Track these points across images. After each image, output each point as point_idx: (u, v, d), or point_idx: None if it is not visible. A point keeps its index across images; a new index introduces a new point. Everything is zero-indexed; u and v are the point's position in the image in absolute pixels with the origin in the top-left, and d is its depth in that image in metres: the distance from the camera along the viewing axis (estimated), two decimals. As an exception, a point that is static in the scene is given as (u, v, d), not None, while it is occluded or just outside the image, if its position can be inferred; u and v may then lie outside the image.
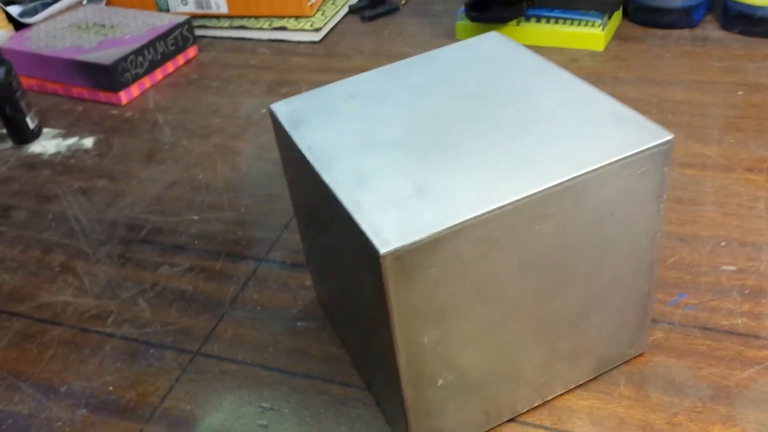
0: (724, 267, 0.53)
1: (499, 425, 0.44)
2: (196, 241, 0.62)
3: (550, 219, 0.36)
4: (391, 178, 0.37)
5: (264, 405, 0.47)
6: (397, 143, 0.39)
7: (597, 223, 0.38)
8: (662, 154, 0.37)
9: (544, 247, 0.37)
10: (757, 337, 0.47)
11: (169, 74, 0.91)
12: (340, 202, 0.36)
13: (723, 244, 0.55)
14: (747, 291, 0.51)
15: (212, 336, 0.52)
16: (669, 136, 0.37)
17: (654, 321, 0.49)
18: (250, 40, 0.98)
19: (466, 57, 0.46)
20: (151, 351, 0.52)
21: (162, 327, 0.54)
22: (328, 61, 0.90)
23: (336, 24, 0.99)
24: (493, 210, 0.34)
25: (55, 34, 0.92)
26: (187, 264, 0.59)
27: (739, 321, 0.49)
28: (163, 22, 0.93)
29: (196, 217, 0.65)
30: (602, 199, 0.37)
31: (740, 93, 0.72)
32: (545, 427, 0.44)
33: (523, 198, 0.35)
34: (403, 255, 0.33)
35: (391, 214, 0.34)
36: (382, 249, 0.32)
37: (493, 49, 0.47)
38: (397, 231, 0.33)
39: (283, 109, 0.44)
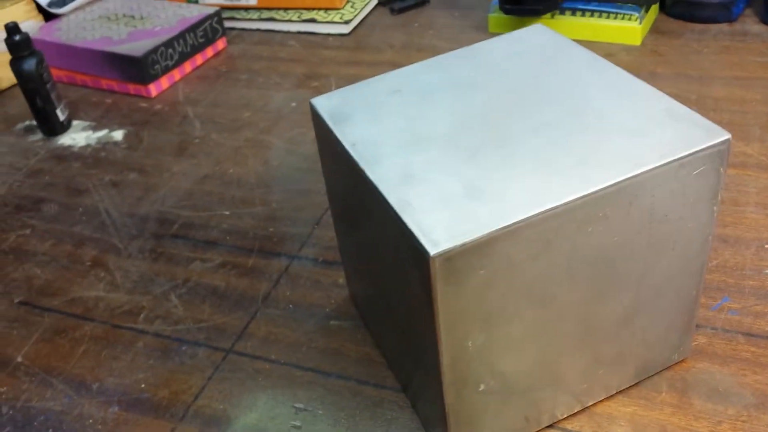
0: (770, 270, 0.51)
1: (539, 431, 0.43)
2: (227, 237, 0.61)
3: (602, 221, 0.35)
4: (439, 176, 0.36)
5: (298, 405, 0.46)
6: (445, 140, 0.38)
7: (650, 225, 0.36)
8: (719, 153, 0.36)
9: (596, 249, 0.36)
10: (805, 344, 0.46)
11: (199, 66, 0.91)
12: (386, 200, 0.35)
13: (767, 246, 0.53)
14: (794, 296, 0.49)
15: (245, 334, 0.52)
16: (726, 136, 0.35)
17: (696, 326, 0.48)
18: (279, 32, 0.97)
19: (513, 50, 0.45)
20: (184, 348, 0.52)
21: (194, 324, 0.53)
22: (358, 54, 0.89)
23: (365, 16, 0.98)
24: (546, 211, 0.33)
25: (84, 26, 0.92)
26: (219, 260, 0.59)
27: (787, 327, 0.47)
28: (192, 13, 0.92)
29: (227, 212, 0.64)
30: (657, 200, 0.35)
31: (783, 90, 0.71)
32: (586, 434, 0.43)
33: (577, 199, 0.33)
34: (452, 257, 0.32)
35: (439, 214, 0.33)
36: (432, 250, 0.32)
37: (540, 42, 0.46)
38: (446, 232, 0.32)
39: (324, 103, 0.43)
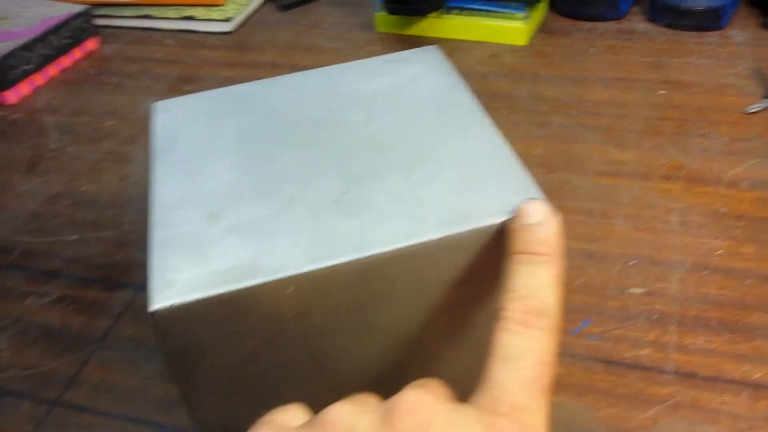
0: (632, 289, 0.49)
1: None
2: (70, 266, 0.56)
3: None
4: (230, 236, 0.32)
5: (125, 462, 0.42)
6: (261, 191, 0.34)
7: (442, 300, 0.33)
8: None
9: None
10: (661, 371, 0.44)
11: (65, 69, 0.84)
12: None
13: (632, 263, 0.51)
14: (654, 317, 0.47)
15: (76, 381, 0.47)
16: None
17: (555, 354, 0.46)
18: (157, 30, 0.91)
19: (376, 78, 0.41)
20: (7, 400, 0.47)
21: (21, 371, 0.48)
22: (239, 55, 0.84)
23: (252, 13, 0.93)
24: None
25: (-62, 26, 0.84)
26: (57, 294, 0.54)
27: (644, 352, 0.45)
28: (59, 11, 0.85)
29: (74, 237, 0.59)
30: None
31: (662, 92, 0.69)
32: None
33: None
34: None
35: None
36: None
37: (414, 71, 0.41)
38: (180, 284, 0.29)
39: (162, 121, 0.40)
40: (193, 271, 0.30)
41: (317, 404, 0.34)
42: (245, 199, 0.33)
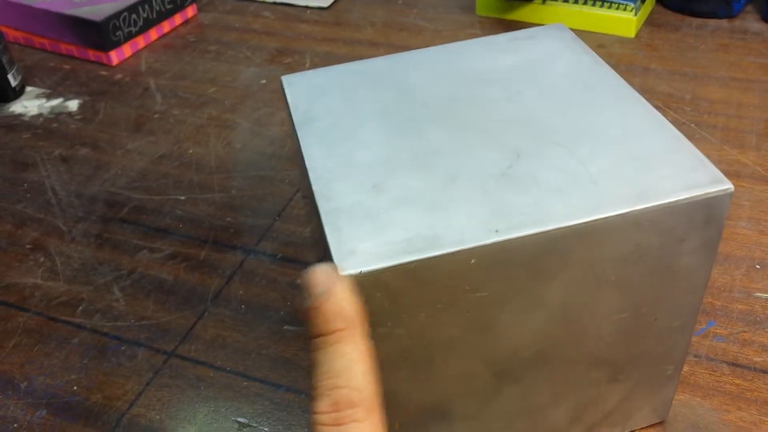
0: (759, 294, 0.48)
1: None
2: (180, 225, 0.57)
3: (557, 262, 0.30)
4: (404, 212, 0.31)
5: (241, 420, 0.42)
6: (421, 163, 0.34)
7: (623, 277, 0.32)
8: (719, 204, 0.31)
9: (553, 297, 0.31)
10: (794, 378, 0.42)
11: (165, 34, 0.85)
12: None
13: (758, 266, 0.50)
14: (784, 323, 0.46)
15: (190, 335, 0.48)
16: (729, 186, 0.31)
17: (680, 351, 0.44)
18: (254, 1, 0.92)
19: (516, 53, 0.40)
20: (123, 348, 0.47)
21: (136, 321, 0.49)
22: (336, 31, 0.84)
23: (348, -10, 0.93)
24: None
25: (46, -16, 0.86)
26: (170, 250, 0.54)
27: (775, 358, 0.44)
28: (162, -23, 0.86)
29: (182, 197, 0.59)
30: (635, 248, 0.31)
31: (781, 94, 0.67)
32: (553, 469, 0.39)
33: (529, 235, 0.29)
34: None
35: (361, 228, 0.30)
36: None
37: (552, 47, 0.40)
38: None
39: (295, 91, 0.39)
40: (372, 240, 0.29)
41: (473, 379, 0.33)
42: (404, 172, 0.32)
